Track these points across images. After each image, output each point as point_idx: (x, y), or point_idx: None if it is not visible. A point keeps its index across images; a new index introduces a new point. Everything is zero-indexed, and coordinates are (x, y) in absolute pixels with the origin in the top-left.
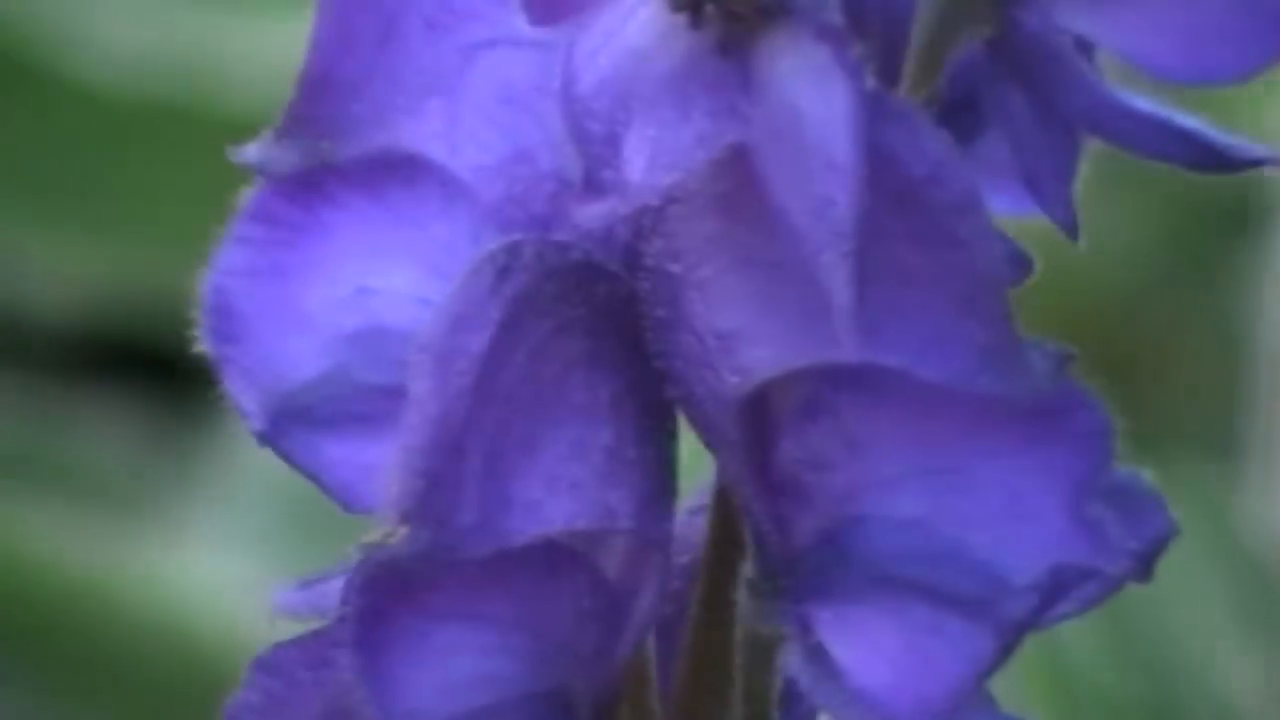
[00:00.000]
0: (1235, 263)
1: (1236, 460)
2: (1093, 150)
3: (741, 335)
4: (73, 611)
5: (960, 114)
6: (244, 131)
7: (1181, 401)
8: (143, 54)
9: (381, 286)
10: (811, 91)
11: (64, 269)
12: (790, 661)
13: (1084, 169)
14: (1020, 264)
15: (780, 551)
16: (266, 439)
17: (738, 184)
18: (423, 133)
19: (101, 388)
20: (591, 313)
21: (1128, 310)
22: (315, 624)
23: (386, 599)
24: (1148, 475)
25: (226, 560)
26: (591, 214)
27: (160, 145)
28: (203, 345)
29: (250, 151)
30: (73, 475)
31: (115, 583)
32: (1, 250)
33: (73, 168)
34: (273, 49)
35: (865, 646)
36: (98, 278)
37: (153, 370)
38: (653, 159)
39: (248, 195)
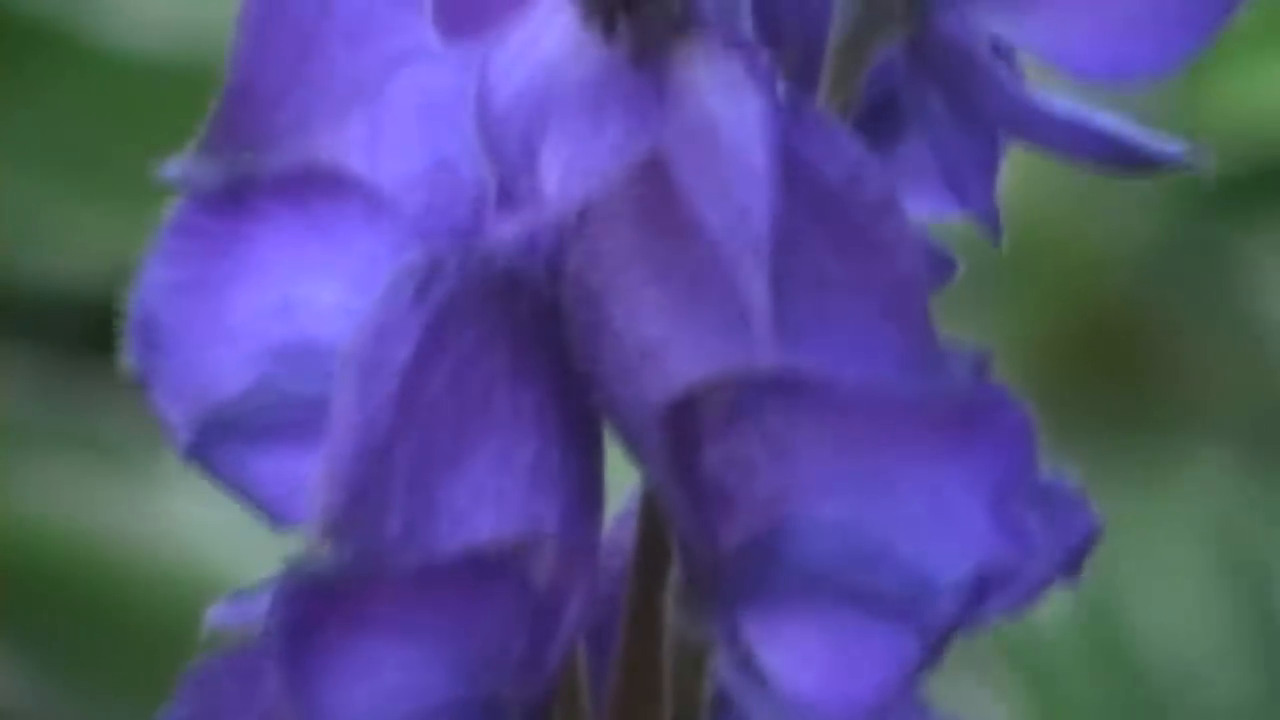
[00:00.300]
0: (1249, 244)
1: (1263, 449)
2: None
3: (663, 343)
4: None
5: (880, 117)
6: None
7: (1199, 390)
8: (171, 20)
9: (307, 299)
10: (724, 101)
11: (88, 239)
12: (720, 667)
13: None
14: (943, 266)
15: (707, 557)
16: (193, 453)
17: (654, 193)
18: (345, 144)
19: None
20: (515, 322)
21: (1139, 299)
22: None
23: (313, 612)
24: (1074, 473)
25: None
26: (508, 225)
27: (189, 113)
28: (128, 358)
29: (173, 166)
30: (94, 445)
31: (126, 536)
32: (24, 219)
33: (99, 135)
34: None
35: (793, 651)
36: (122, 247)
37: None
38: (568, 169)
39: (172, 209)
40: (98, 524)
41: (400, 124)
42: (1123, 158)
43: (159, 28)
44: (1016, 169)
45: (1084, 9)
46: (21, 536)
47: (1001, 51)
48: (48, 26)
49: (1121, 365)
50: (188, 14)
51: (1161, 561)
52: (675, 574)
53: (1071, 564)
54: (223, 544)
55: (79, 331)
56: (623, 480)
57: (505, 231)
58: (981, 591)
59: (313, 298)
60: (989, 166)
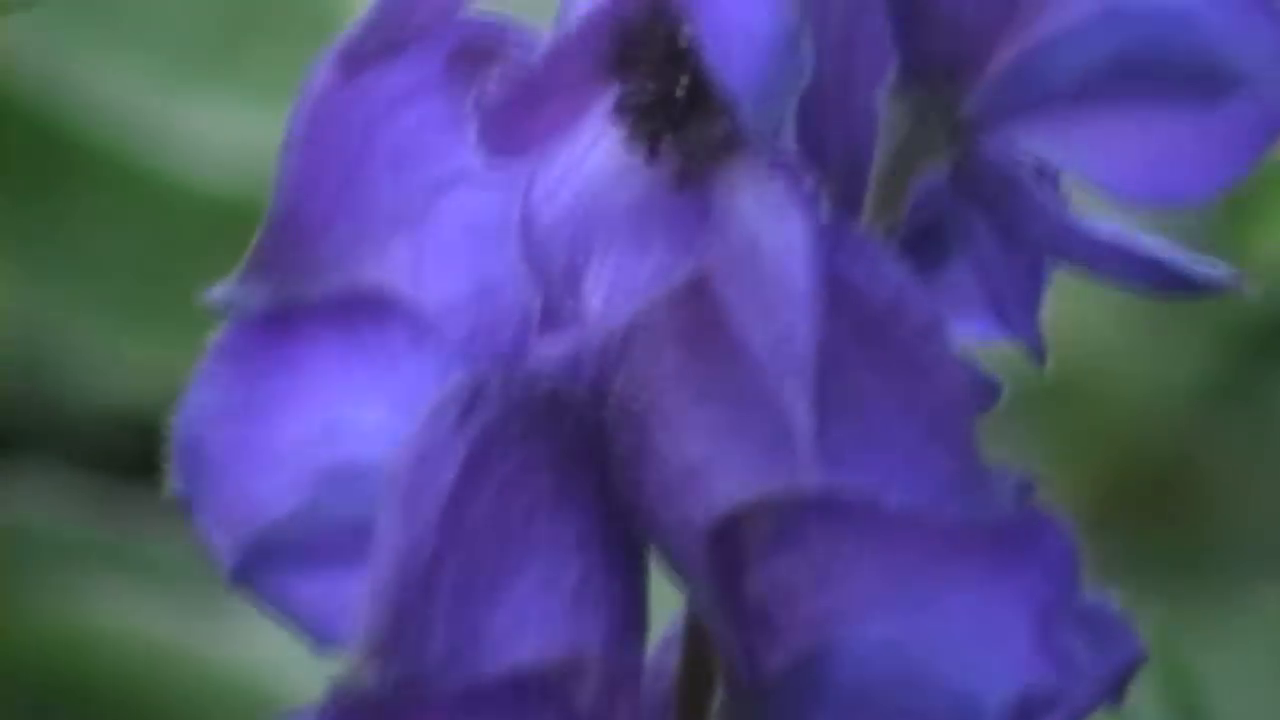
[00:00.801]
0: None
1: None
2: None
3: (707, 466)
4: (144, 687)
5: (924, 241)
6: None
7: (1245, 523)
8: (224, 147)
9: (351, 422)
10: (769, 223)
11: (139, 362)
12: None
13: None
14: (987, 390)
15: (752, 680)
16: (237, 578)
17: (698, 316)
18: (389, 269)
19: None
20: (558, 446)
21: (1183, 430)
22: None
23: None
24: (1116, 599)
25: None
26: (552, 347)
27: (240, 239)
28: (173, 484)
29: (219, 291)
30: (136, 563)
31: (185, 656)
32: (76, 342)
33: (150, 260)
34: None
35: None
36: (171, 370)
37: None
38: (612, 291)
39: (218, 333)
40: (152, 645)
41: (445, 248)
42: (1168, 282)
43: (212, 154)
44: (1064, 296)
45: (1128, 133)
46: (75, 657)
47: (1046, 174)
48: (102, 151)
49: (1164, 495)
50: (240, 141)
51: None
52: (720, 699)
53: (1116, 688)
54: (277, 664)
55: (132, 454)
56: (667, 604)
57: (550, 353)
58: (1027, 714)
59: (357, 421)
60: (1033, 291)
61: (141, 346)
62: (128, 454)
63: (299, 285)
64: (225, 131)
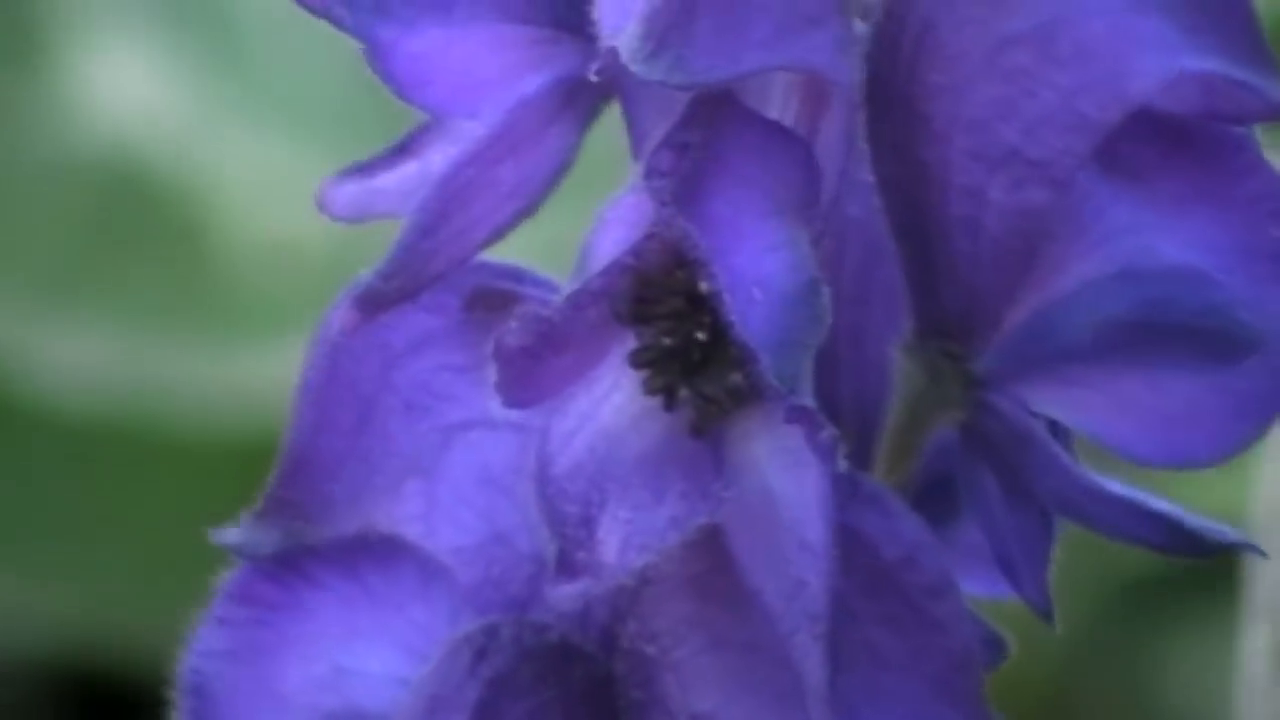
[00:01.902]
0: (1192, 627)
1: None
2: None
3: (716, 717)
4: None
5: (935, 496)
6: (208, 457)
7: None
8: (102, 378)
9: (359, 667)
10: (784, 474)
11: (26, 604)
12: None
13: None
14: (995, 646)
15: None
16: None
17: (711, 565)
18: (401, 514)
19: None
20: (568, 694)
21: (1059, 677)
22: None
23: None
24: None
25: None
26: (565, 595)
27: (121, 471)
28: None
29: (230, 533)
30: None
31: None
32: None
33: (32, 495)
34: (240, 372)
35: None
36: (61, 613)
37: (121, 708)
38: (626, 541)
39: (227, 575)
40: None
41: (456, 495)
42: (1177, 543)
43: (95, 385)
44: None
45: (1140, 394)
46: None
47: (1059, 429)
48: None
49: None
50: (124, 371)
51: None
52: None
53: None
54: None
55: (25, 700)
56: None
57: (561, 602)
58: None
59: (364, 667)
60: (1041, 551)
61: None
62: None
63: (309, 529)
64: (89, 354)
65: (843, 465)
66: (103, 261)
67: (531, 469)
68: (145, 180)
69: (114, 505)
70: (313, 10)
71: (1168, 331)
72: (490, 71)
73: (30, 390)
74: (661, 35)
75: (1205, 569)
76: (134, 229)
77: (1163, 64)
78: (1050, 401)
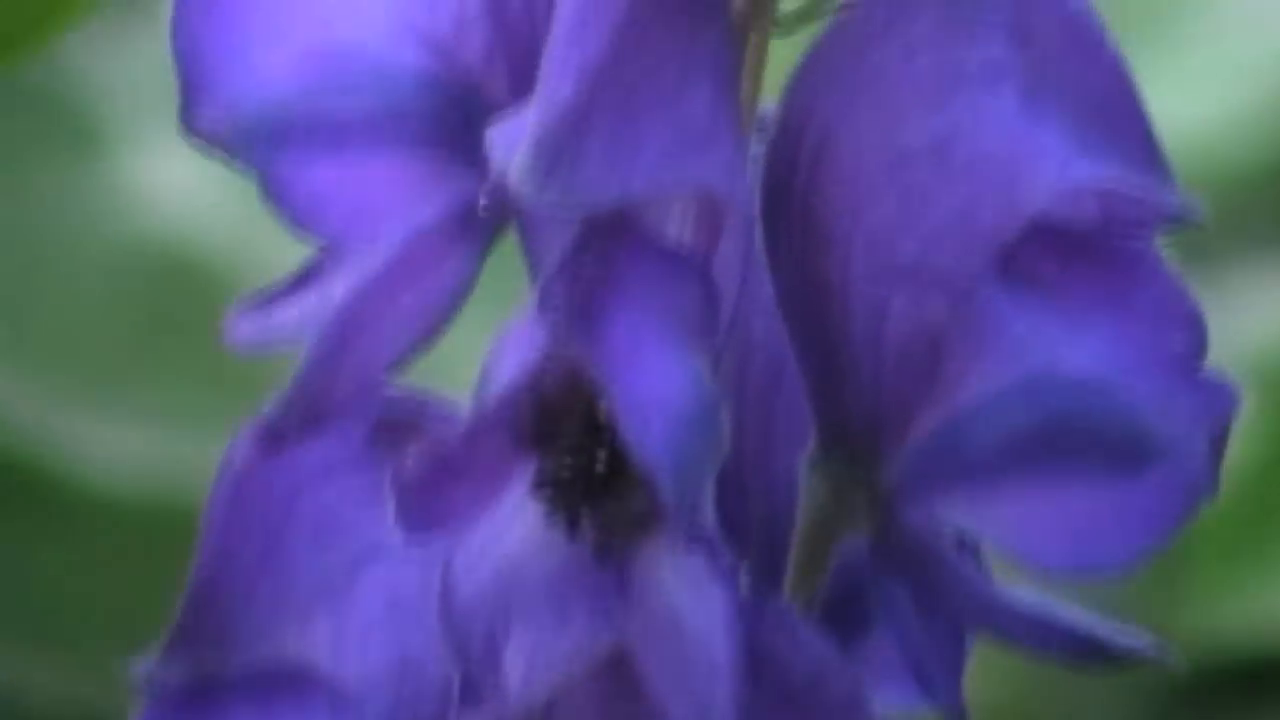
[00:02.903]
0: None
1: None
2: None
3: None
4: None
5: (846, 609)
6: None
7: None
8: (152, 465)
9: None
10: (688, 596)
11: (71, 691)
12: None
13: None
14: None
15: None
16: None
17: (619, 689)
18: (310, 643)
19: None
20: None
21: None
22: None
23: None
24: None
25: None
26: None
27: (163, 555)
28: None
29: (137, 668)
30: None
31: None
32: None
33: (81, 583)
34: None
35: None
36: (103, 699)
37: None
38: (531, 665)
39: (134, 716)
40: None
41: (365, 622)
42: (1089, 653)
43: (127, 468)
44: (986, 656)
45: (1049, 503)
46: None
47: (967, 542)
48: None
49: None
50: (154, 454)
51: None
52: None
53: None
54: None
55: None
56: None
57: None
58: None
59: None
60: (955, 661)
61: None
62: None
63: (218, 660)
64: (138, 442)
65: (748, 585)
66: (154, 350)
67: (436, 597)
68: (197, 272)
69: (163, 593)
70: (207, 140)
71: (1074, 441)
72: (387, 200)
73: (80, 477)
74: (550, 160)
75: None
76: (186, 319)
77: (1059, 174)
78: (957, 513)
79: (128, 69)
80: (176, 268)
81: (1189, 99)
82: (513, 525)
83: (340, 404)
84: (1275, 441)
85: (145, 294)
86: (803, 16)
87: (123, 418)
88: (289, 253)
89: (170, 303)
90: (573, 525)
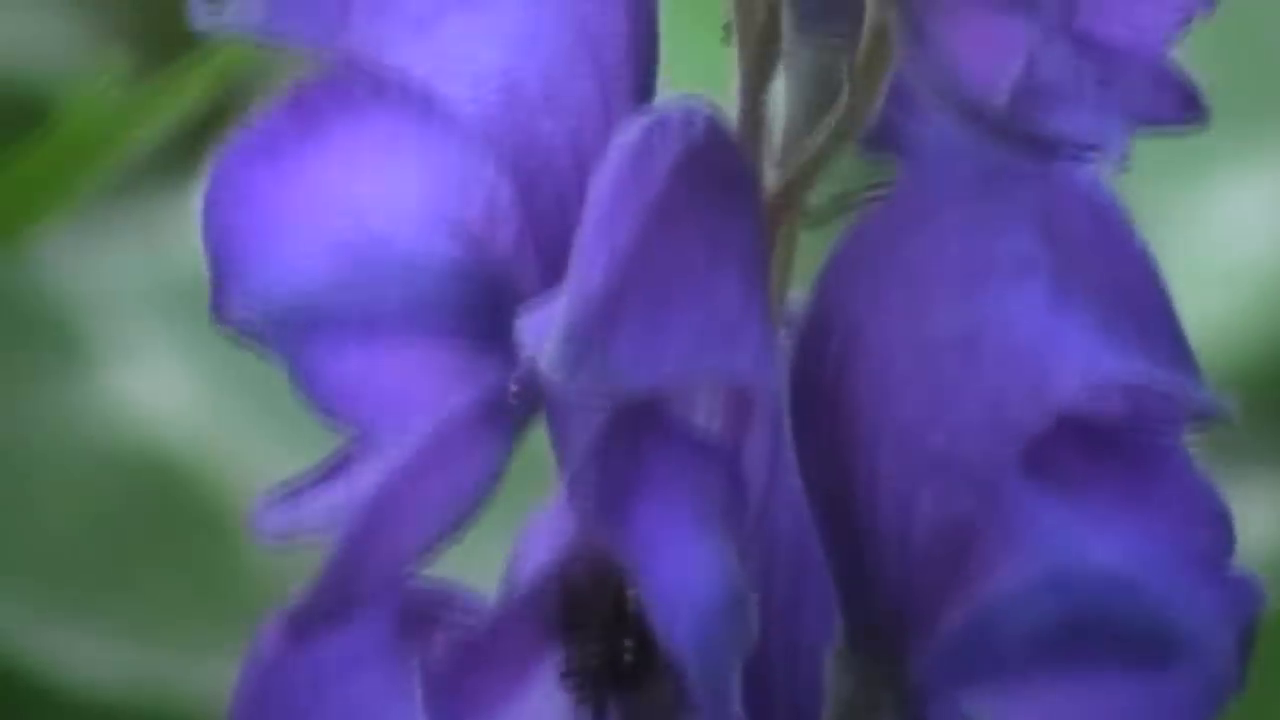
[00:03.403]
0: None
1: None
2: None
3: None
4: None
5: None
6: None
7: None
8: (128, 671)
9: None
10: None
11: None
12: None
13: None
14: None
15: None
16: None
17: None
18: None
19: None
20: None
21: None
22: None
23: None
24: None
25: None
26: None
27: None
28: None
29: None
30: None
31: None
32: None
33: None
34: None
35: None
36: None
37: None
38: None
39: None
40: None
41: None
42: None
43: (119, 680)
44: None
45: (1072, 698)
46: None
47: None
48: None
49: None
50: (133, 668)
51: None
52: None
53: None
54: None
55: None
56: None
57: None
58: None
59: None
60: None
61: None
62: None
63: None
64: (124, 656)
65: None
66: (139, 560)
67: None
68: (181, 481)
69: None
70: (239, 332)
71: (1100, 636)
72: (416, 390)
73: (66, 688)
74: (581, 349)
75: None
76: (170, 529)
77: (1087, 369)
78: (984, 707)
79: (110, 275)
80: (160, 477)
81: None
82: (541, 715)
83: (368, 595)
84: None
85: (129, 504)
86: (833, 207)
87: (106, 629)
88: (275, 461)
89: (154, 512)
90: (600, 714)
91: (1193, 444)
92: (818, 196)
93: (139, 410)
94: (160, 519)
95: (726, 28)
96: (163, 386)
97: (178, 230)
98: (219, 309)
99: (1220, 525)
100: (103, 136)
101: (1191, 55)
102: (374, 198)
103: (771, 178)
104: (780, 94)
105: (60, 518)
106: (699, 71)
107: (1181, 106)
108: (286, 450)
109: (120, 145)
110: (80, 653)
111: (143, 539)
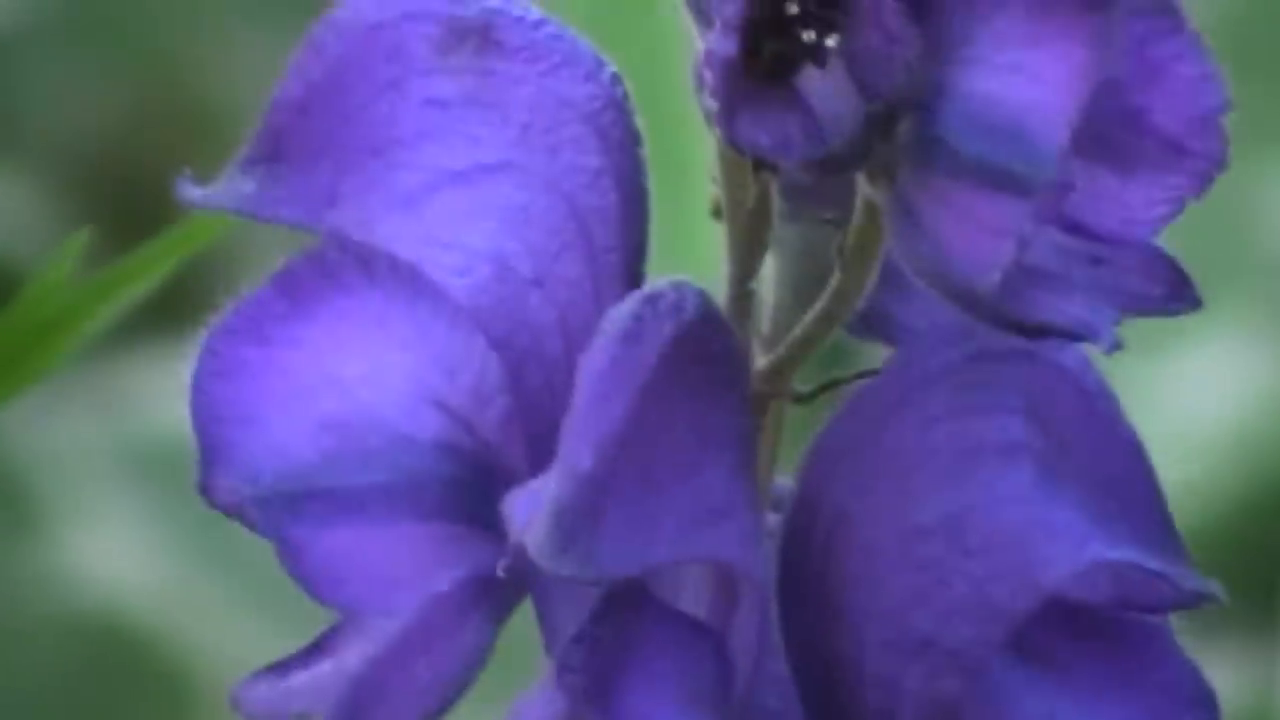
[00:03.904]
0: None
1: None
2: None
3: None
4: None
5: None
6: None
7: None
8: None
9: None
10: None
11: None
12: None
13: None
14: None
15: None
16: None
17: None
18: None
19: None
20: None
21: None
22: None
23: None
24: None
25: None
26: None
27: None
28: None
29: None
30: None
31: None
32: None
33: None
34: None
35: None
36: None
37: None
38: None
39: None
40: None
41: None
42: None
43: None
44: None
45: None
46: None
47: None
48: None
49: None
50: None
51: None
52: None
53: None
54: None
55: None
56: None
57: None
58: None
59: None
60: None
61: None
62: None
63: None
64: None
65: None
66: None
67: None
68: (132, 644)
69: None
70: (224, 509)
71: None
72: (403, 569)
73: None
74: (569, 530)
75: None
76: (120, 691)
77: (1074, 554)
78: None
79: (69, 440)
80: (118, 641)
81: None
82: None
83: None
84: None
85: (87, 668)
86: (819, 390)
87: None
88: (235, 626)
89: (112, 677)
90: None
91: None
92: (806, 377)
93: (95, 575)
94: (118, 683)
95: (716, 207)
96: (121, 552)
97: (138, 397)
98: (205, 488)
99: (1205, 707)
100: (66, 316)
101: None
102: (362, 377)
103: (760, 359)
104: (769, 274)
105: (18, 681)
106: (689, 251)
107: (1172, 293)
108: (245, 615)
109: (83, 324)
110: None
111: (100, 704)
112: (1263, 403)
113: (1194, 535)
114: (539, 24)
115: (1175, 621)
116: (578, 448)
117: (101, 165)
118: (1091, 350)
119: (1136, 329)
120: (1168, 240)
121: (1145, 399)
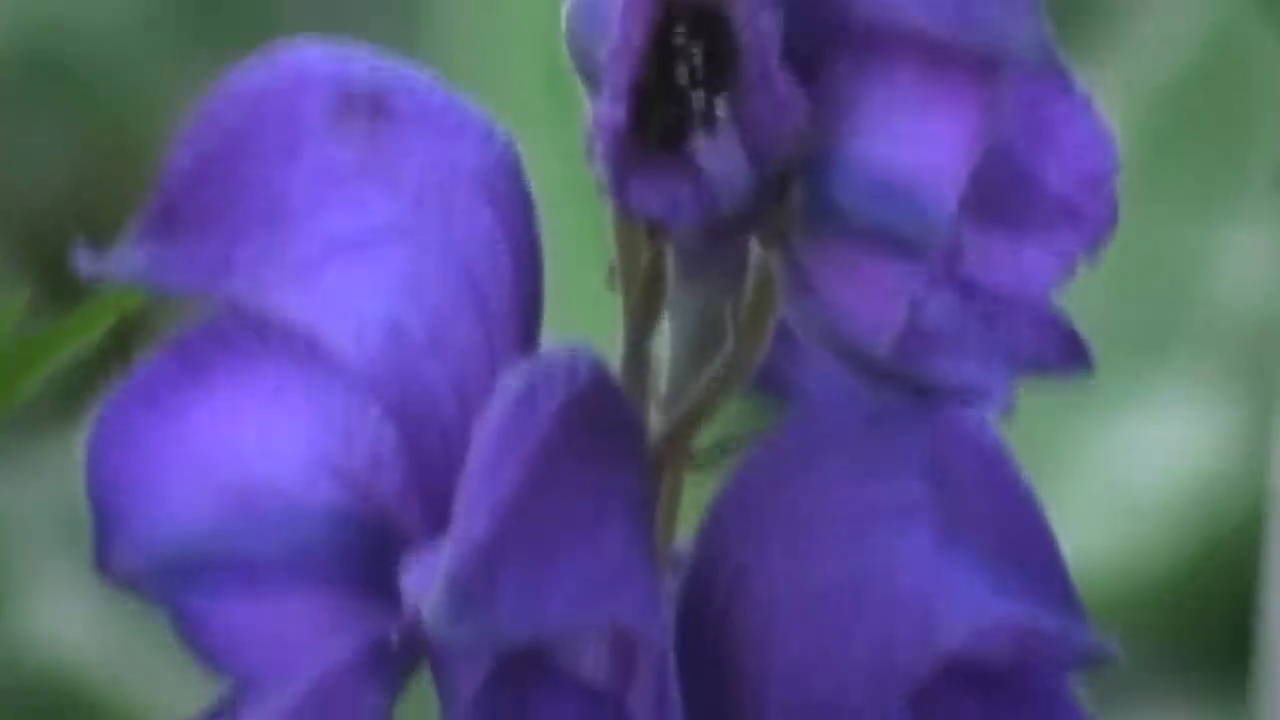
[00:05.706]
0: None
1: None
2: None
3: None
4: None
5: None
6: None
7: None
8: None
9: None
10: None
11: None
12: None
13: None
14: None
15: None
16: None
17: None
18: None
19: None
20: None
21: None
22: None
23: None
24: None
25: None
26: None
27: None
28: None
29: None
30: None
31: None
32: None
33: None
34: None
35: None
36: None
37: None
38: None
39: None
40: None
41: None
42: None
43: None
44: None
45: None
46: None
47: None
48: None
49: None
50: None
51: None
52: None
53: None
54: None
55: None
56: None
57: None
58: None
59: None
60: None
61: None
62: None
63: None
64: None
65: None
66: None
67: None
68: (77, 708)
69: None
70: (120, 581)
71: None
72: (300, 637)
73: None
74: (464, 597)
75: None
76: None
77: (973, 613)
78: None
79: (8, 503)
80: (62, 702)
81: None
82: None
83: None
84: None
85: None
86: (718, 451)
87: None
88: (178, 689)
89: None
90: None
91: (1090, 679)
92: (703, 440)
93: (48, 640)
94: None
95: (611, 271)
96: (65, 614)
97: (80, 460)
98: (101, 559)
99: None
100: (4, 378)
101: (1081, 293)
102: (257, 444)
103: (657, 422)
104: (665, 337)
105: None
106: (585, 315)
107: (1066, 353)
108: (188, 678)
109: (16, 388)
110: None
111: None
112: (1219, 462)
113: (1150, 594)
114: (430, 91)
115: (1104, 692)
116: (471, 515)
117: (44, 224)
118: (1044, 410)
119: (1068, 397)
120: (1120, 300)
121: (1100, 458)
